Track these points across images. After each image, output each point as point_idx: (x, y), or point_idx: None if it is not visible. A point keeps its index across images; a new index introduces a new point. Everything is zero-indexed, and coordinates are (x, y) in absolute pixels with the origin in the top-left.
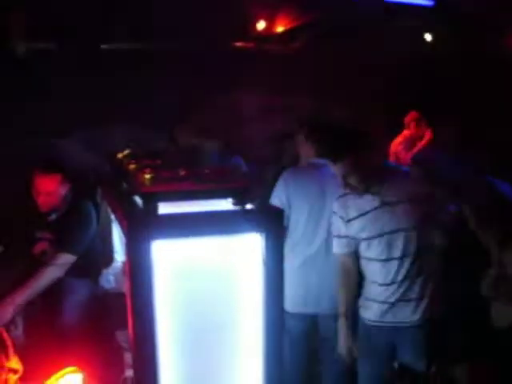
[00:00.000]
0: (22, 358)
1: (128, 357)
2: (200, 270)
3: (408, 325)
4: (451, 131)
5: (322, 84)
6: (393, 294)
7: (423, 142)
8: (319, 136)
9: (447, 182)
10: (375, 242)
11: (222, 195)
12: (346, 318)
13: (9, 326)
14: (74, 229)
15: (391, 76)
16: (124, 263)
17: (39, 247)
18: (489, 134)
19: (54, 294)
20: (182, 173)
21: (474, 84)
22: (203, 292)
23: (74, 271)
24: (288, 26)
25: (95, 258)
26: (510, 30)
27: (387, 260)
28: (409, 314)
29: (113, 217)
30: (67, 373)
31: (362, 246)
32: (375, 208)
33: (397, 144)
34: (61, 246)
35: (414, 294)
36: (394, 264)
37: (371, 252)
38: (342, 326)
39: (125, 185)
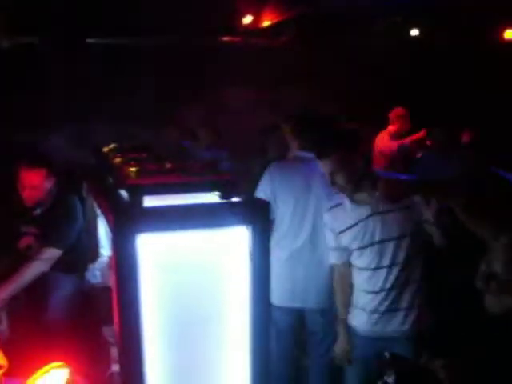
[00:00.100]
0: (7, 354)
1: (114, 352)
2: (186, 264)
3: (397, 335)
4: (440, 128)
5: (308, 78)
6: (381, 303)
7: (415, 136)
8: (304, 130)
9: (434, 182)
10: (366, 251)
11: (208, 188)
12: (342, 325)
13: None
14: (59, 223)
15: (378, 70)
16: (110, 257)
17: (24, 242)
18: (479, 130)
19: (39, 288)
20: (168, 166)
21: (463, 78)
22: (189, 285)
23: (59, 266)
24: (274, 20)
25: (81, 252)
26: (498, 23)
27: (376, 268)
28: (398, 325)
29: (98, 211)
30: (53, 368)
31: (354, 256)
32: (366, 217)
33: (381, 140)
34: (46, 240)
35: (403, 304)
36: (383, 272)
37: (362, 261)
38: (340, 330)
39: (110, 178)
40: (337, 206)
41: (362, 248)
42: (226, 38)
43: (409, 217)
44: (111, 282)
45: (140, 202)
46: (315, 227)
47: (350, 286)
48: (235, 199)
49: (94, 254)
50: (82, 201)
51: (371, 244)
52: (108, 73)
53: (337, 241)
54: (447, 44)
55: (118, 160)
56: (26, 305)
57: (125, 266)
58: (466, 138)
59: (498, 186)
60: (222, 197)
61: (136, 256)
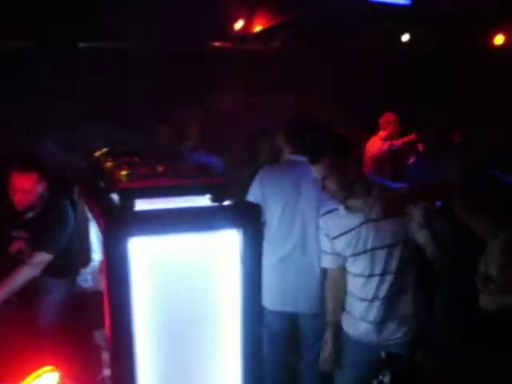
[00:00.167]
0: None
1: (106, 356)
2: (178, 267)
3: (390, 343)
4: (431, 130)
5: (300, 83)
6: (374, 311)
7: (406, 138)
8: (297, 135)
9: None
10: (360, 258)
11: (199, 191)
12: (333, 328)
13: None
14: (50, 227)
15: (369, 76)
16: (101, 261)
17: (16, 246)
18: (468, 134)
19: (30, 293)
20: (160, 169)
21: (452, 83)
22: (181, 289)
23: (51, 270)
24: (266, 25)
25: (73, 256)
26: (488, 29)
27: (370, 276)
28: (391, 333)
29: (90, 215)
30: (44, 372)
31: (348, 262)
32: (359, 225)
33: (372, 145)
34: (37, 244)
35: (396, 312)
36: (376, 280)
37: (356, 268)
38: (328, 336)
39: (102, 182)
40: (331, 211)
41: (355, 255)
42: (217, 44)
43: (402, 224)
44: (102, 285)
45: (131, 206)
46: (305, 231)
47: (343, 291)
48: (226, 202)
49: (86, 258)
50: (74, 205)
51: (364, 251)
52: (98, 77)
53: (331, 246)
54: (437, 49)
55: (109, 164)
56: (18, 309)
57: (116, 269)
58: (456, 138)
59: (496, 186)
60: (214, 200)
61: (127, 259)
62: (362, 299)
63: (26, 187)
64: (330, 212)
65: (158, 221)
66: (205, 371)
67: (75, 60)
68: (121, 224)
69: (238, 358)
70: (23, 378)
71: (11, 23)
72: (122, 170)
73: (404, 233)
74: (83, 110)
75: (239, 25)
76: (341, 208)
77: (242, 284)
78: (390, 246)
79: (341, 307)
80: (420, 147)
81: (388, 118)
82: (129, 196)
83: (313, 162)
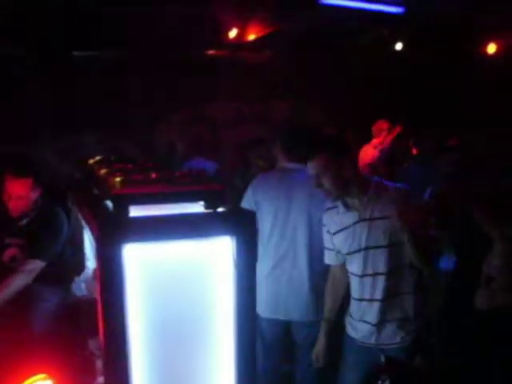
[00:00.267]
0: None
1: (100, 364)
2: (172, 274)
3: (390, 347)
4: (427, 135)
5: (295, 91)
6: (371, 312)
7: (390, 135)
8: (294, 144)
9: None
10: (355, 256)
11: (193, 198)
12: (327, 324)
13: None
14: (44, 234)
15: (363, 84)
16: (95, 269)
17: (9, 253)
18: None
19: (24, 300)
20: (153, 176)
21: (447, 90)
22: (175, 296)
23: (44, 278)
24: (260, 34)
25: (66, 264)
26: (483, 37)
27: (363, 276)
28: (388, 337)
29: (84, 222)
30: (37, 380)
31: (346, 260)
32: (354, 223)
33: (365, 152)
34: (31, 251)
35: (393, 315)
36: (370, 280)
37: (352, 266)
38: (321, 332)
39: (95, 189)
40: (332, 208)
41: (350, 253)
42: (211, 52)
43: (396, 226)
44: (96, 293)
45: (125, 212)
46: (296, 240)
47: (344, 290)
48: (220, 209)
49: (80, 266)
50: (68, 212)
51: (358, 250)
52: (94, 86)
53: (331, 241)
54: (431, 57)
55: (103, 171)
56: (11, 317)
57: (110, 276)
58: (452, 143)
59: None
60: (208, 207)
61: (121, 266)
62: (359, 299)
63: (21, 193)
64: (331, 209)
65: (152, 227)
66: (200, 379)
67: (68, 68)
68: (115, 231)
69: (232, 366)
70: None
71: (8, 33)
72: (115, 176)
73: (399, 234)
74: (72, 118)
75: (233, 33)
76: (340, 205)
77: (236, 291)
78: (384, 247)
79: (339, 305)
80: (414, 151)
81: (380, 125)
82: (123, 202)
83: (309, 158)
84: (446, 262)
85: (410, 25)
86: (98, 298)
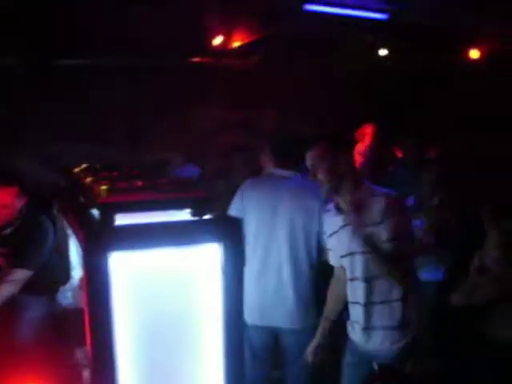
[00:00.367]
0: None
1: (87, 374)
2: (159, 281)
3: (381, 353)
4: (409, 144)
5: (279, 98)
6: (362, 316)
7: (367, 141)
8: (281, 148)
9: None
10: (344, 260)
11: (179, 205)
12: (326, 323)
13: None
14: (29, 243)
15: (348, 90)
16: (81, 278)
17: None
18: (446, 148)
19: (8, 311)
20: (139, 183)
21: (429, 96)
22: (162, 304)
23: (29, 287)
24: (246, 40)
25: (52, 273)
26: (467, 43)
27: (352, 279)
28: (377, 344)
29: (69, 231)
30: None
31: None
32: (341, 227)
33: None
34: (16, 261)
35: (382, 322)
36: (357, 284)
37: (346, 269)
38: (319, 329)
39: (81, 198)
40: (329, 210)
41: (342, 257)
42: (196, 59)
43: (381, 232)
44: (83, 302)
45: (111, 221)
46: (280, 248)
47: (343, 292)
48: (207, 216)
49: (66, 275)
50: (53, 221)
51: (346, 254)
52: (79, 94)
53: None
54: (414, 63)
55: (89, 179)
56: None
57: (96, 285)
58: (432, 153)
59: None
60: (194, 214)
61: (108, 275)
62: (352, 302)
63: (6, 202)
64: (328, 211)
65: (139, 235)
66: None
67: (49, 77)
68: (101, 239)
69: (221, 374)
70: None
71: None
72: (101, 184)
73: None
74: (57, 127)
75: (218, 40)
76: (332, 208)
77: (223, 298)
78: (368, 253)
79: (340, 307)
80: (398, 154)
81: (363, 130)
82: (109, 211)
83: (306, 150)
84: (435, 273)
85: (393, 32)
86: (85, 307)
